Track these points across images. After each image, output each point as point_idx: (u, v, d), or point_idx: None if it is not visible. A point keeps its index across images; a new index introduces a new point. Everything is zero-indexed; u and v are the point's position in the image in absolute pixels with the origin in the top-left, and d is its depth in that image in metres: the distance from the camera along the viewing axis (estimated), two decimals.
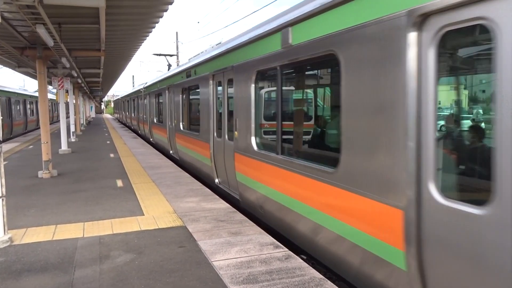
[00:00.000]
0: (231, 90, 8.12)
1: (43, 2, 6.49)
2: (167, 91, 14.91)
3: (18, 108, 28.99)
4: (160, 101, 17.18)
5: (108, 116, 79.43)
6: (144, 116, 22.81)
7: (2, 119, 26.25)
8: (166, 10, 8.67)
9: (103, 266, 4.82)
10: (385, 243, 3.58)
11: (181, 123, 12.88)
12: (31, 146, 19.37)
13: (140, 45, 13.47)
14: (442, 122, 3.79)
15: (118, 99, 54.97)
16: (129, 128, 34.48)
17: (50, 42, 9.51)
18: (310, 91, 6.48)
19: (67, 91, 19.84)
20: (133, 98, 29.74)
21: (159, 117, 17.52)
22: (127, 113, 37.47)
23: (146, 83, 22.91)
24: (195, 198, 8.09)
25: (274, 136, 6.27)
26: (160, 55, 29.78)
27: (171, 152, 14.85)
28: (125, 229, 6.22)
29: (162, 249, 5.36)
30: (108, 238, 5.82)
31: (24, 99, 30.42)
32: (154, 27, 10.41)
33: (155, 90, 18.22)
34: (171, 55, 29.02)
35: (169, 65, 27.79)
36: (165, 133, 15.42)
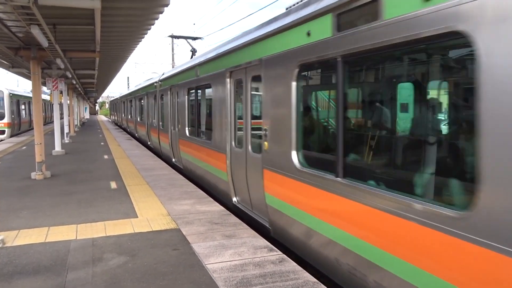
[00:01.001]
0: None
1: (37, 2, 6.46)
2: (228, 80, 7.82)
3: (25, 108, 32.06)
4: (201, 100, 10.40)
5: (103, 117, 79.07)
6: (161, 124, 15.48)
7: (13, 118, 27.74)
8: (161, 12, 8.66)
9: (96, 268, 4.79)
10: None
11: (281, 151, 5.70)
12: (24, 147, 19.24)
13: (136, 47, 13.43)
14: None
15: (116, 98, 44.42)
16: (133, 136, 25.80)
17: (44, 43, 9.47)
18: None
19: (61, 92, 19.76)
20: (140, 96, 21.90)
21: (198, 129, 10.61)
22: (129, 116, 28.01)
23: (163, 73, 15.92)
24: (190, 201, 8.07)
25: None
26: (179, 37, 22.46)
27: (235, 200, 7.82)
28: (118, 232, 6.18)
29: (155, 251, 5.34)
30: (101, 241, 5.78)
31: (29, 100, 33.08)
32: (149, 29, 10.39)
33: (188, 82, 10.97)
34: (194, 38, 19.95)
35: (194, 50, 18.07)
36: (221, 160, 8.25)
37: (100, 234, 6.07)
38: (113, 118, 53.67)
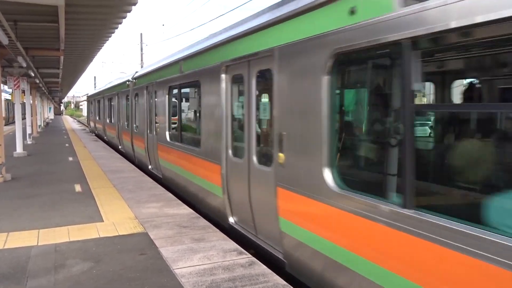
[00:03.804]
0: None
1: None
2: None
3: (8, 107, 42.59)
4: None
5: (69, 118, 76.78)
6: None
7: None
8: (129, 11, 8.48)
9: (58, 276, 4.60)
10: None
11: None
12: None
13: (103, 46, 13.11)
14: None
15: (102, 91, 23.77)
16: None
17: (4, 40, 9.07)
18: None
19: (23, 91, 19.02)
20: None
21: None
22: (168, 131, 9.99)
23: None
24: (158, 204, 7.91)
25: None
26: None
27: None
28: (83, 236, 5.97)
29: (122, 257, 5.19)
30: (64, 246, 5.57)
31: (12, 102, 46.25)
32: (117, 28, 10.16)
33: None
34: None
35: None
36: None
37: (63, 239, 5.84)
38: (94, 126, 29.12)
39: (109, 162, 13.88)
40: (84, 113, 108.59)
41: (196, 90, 8.33)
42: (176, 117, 9.76)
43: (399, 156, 3.41)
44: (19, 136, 15.93)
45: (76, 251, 5.39)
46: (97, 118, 27.03)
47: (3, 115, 38.86)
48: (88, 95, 38.03)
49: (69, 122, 53.82)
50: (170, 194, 8.76)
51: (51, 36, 10.39)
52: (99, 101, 25.76)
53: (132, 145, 14.59)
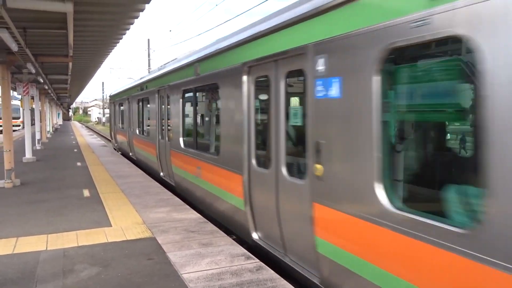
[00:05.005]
0: None
1: (6, 5, 6.25)
2: None
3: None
4: None
5: (77, 124, 77.34)
6: None
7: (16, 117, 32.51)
8: (137, 17, 8.53)
9: (67, 280, 4.62)
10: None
11: None
12: None
13: (110, 52, 13.19)
14: None
15: (147, 82, 13.10)
16: None
17: (14, 47, 9.16)
18: None
19: (32, 97, 19.22)
20: None
21: None
22: None
23: None
24: (165, 208, 7.92)
25: None
26: None
27: None
28: (91, 241, 5.99)
29: (129, 261, 5.19)
30: (72, 251, 5.59)
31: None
32: (124, 34, 10.22)
33: None
34: None
35: None
36: None
37: (71, 244, 5.87)
38: (129, 146, 17.19)
39: (117, 167, 13.95)
40: (93, 118, 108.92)
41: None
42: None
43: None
44: (28, 141, 16.06)
45: (84, 256, 5.41)
46: (138, 131, 15.30)
47: (20, 119, 42.40)
48: (112, 93, 23.08)
49: (78, 128, 54.21)
50: (177, 199, 8.77)
51: (60, 42, 10.49)
52: (142, 101, 14.63)
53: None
